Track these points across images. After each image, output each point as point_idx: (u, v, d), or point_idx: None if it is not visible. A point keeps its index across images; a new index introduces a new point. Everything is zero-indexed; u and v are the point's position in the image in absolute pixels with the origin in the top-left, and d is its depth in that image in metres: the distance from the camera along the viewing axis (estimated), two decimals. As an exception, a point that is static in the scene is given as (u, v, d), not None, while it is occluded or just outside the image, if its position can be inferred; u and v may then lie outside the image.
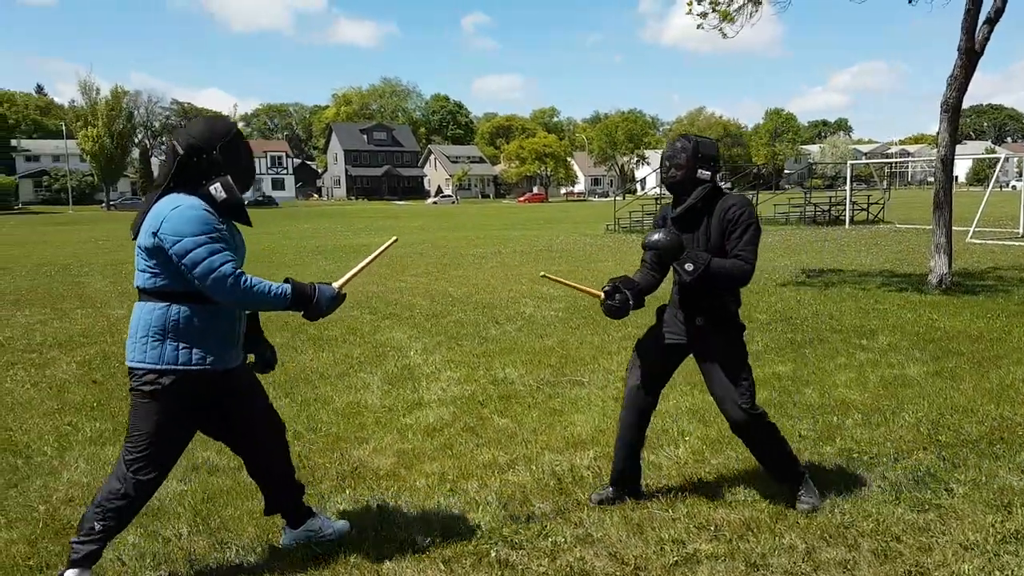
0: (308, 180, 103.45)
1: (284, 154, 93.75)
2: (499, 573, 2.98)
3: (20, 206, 69.44)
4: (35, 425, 5.07)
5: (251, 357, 3.16)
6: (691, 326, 3.49)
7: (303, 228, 32.53)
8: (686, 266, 3.30)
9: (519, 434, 4.66)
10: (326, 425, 4.97)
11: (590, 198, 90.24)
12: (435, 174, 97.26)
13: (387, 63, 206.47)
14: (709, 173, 3.39)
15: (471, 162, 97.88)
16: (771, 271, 12.91)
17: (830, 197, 30.42)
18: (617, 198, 34.21)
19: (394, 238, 3.45)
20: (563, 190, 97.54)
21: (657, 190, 29.94)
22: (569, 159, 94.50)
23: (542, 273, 3.72)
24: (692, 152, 3.37)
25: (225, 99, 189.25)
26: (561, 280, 3.76)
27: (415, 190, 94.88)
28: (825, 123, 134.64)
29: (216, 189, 2.75)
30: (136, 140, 79.43)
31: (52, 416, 5.27)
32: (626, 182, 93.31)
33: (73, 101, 72.08)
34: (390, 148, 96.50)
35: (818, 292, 10.38)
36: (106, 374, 6.49)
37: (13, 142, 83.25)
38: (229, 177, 2.78)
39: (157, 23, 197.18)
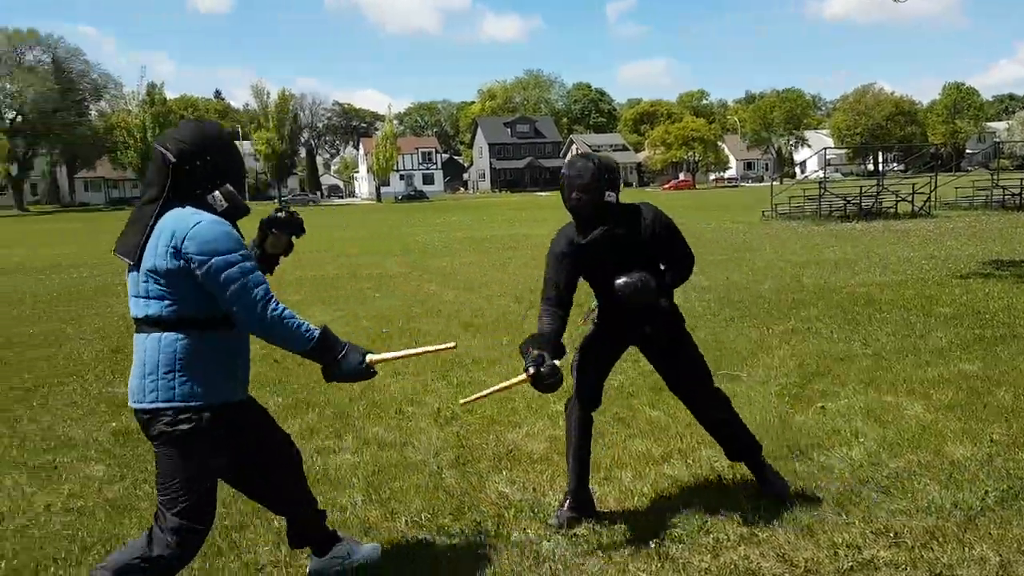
0: (455, 174, 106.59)
1: (434, 150, 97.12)
2: (659, 565, 2.97)
3: (203, 202, 76.64)
4: (225, 399, 5.60)
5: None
6: (637, 332, 3.42)
7: (451, 220, 33.61)
8: (662, 302, 3.29)
9: (672, 427, 4.60)
10: (480, 407, 5.13)
11: (743, 183, 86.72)
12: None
13: (531, 56, 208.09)
14: (615, 194, 3.18)
15: (613, 150, 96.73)
16: (953, 260, 11.88)
17: (1021, 179, 27.42)
18: (774, 183, 32.56)
19: (452, 344, 2.99)
20: (712, 176, 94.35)
21: (820, 173, 28.25)
22: (719, 143, 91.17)
23: (462, 401, 3.37)
24: (596, 174, 3.14)
25: (381, 99, 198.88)
26: (479, 396, 3.26)
27: (557, 180, 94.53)
28: (1012, 97, 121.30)
29: (215, 198, 2.50)
30: (302, 140, 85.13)
31: (239, 392, 5.80)
32: (783, 166, 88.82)
33: (247, 105, 78.55)
34: (532, 140, 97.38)
35: (1011, 285, 9.42)
36: (284, 354, 7.04)
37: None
38: (228, 184, 2.54)
39: (317, 28, 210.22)
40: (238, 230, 2.58)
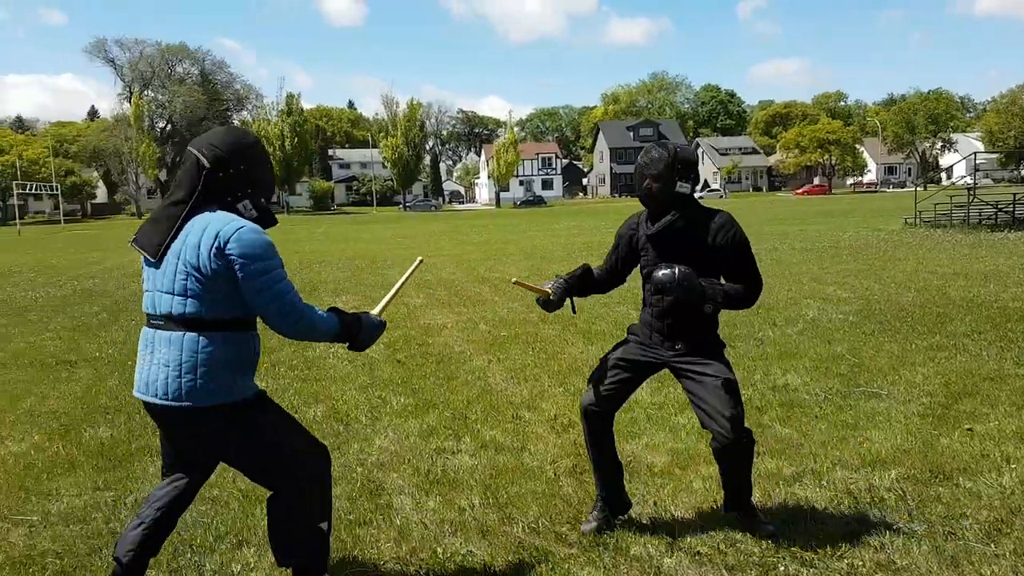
0: (574, 179, 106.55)
1: (554, 155, 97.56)
2: (788, 589, 2.80)
3: (335, 207, 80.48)
4: (352, 397, 5.81)
5: None
6: (670, 350, 3.22)
7: (568, 225, 33.60)
8: (706, 307, 3.08)
9: (805, 446, 4.34)
10: (601, 417, 5.05)
11: (883, 188, 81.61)
12: (702, 168, 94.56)
13: (658, 58, 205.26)
14: (689, 186, 3.11)
15: (742, 153, 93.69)
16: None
17: None
18: (917, 188, 30.44)
19: (419, 259, 3.30)
20: (849, 180, 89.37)
21: (969, 179, 26.13)
22: (858, 146, 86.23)
23: (514, 280, 3.55)
24: (670, 162, 3.08)
25: (503, 106, 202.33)
26: (525, 284, 3.42)
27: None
28: None
29: (245, 207, 2.56)
30: (427, 147, 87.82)
31: (365, 390, 6.00)
32: (928, 170, 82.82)
33: (377, 114, 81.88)
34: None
35: None
36: (408, 355, 7.25)
37: (330, 152, 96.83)
38: (258, 196, 2.62)
39: (445, 38, 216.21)
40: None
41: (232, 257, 2.42)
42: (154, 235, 2.52)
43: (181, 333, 2.48)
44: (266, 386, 6.11)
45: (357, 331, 2.67)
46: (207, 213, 2.49)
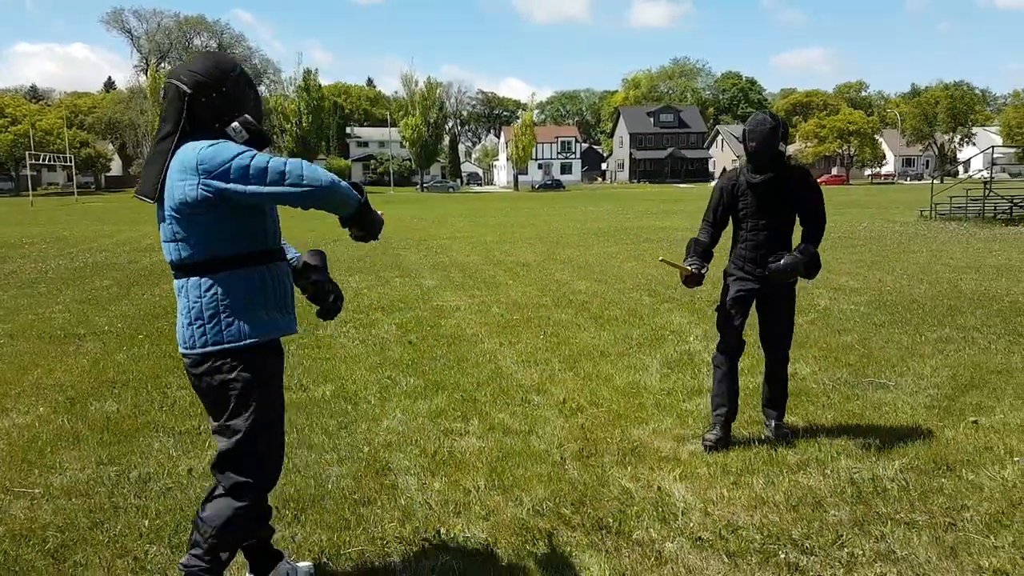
0: (593, 164, 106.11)
1: (573, 139, 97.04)
2: (788, 575, 2.81)
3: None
4: (362, 376, 5.86)
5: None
6: (762, 276, 4.12)
7: (586, 210, 33.47)
8: (810, 276, 4.19)
9: (809, 433, 4.35)
10: (607, 401, 5.08)
11: (900, 180, 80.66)
12: (721, 155, 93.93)
13: (680, 43, 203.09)
14: (785, 146, 4.00)
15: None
16: None
17: None
18: (934, 181, 30.07)
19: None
20: (867, 172, 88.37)
21: (985, 173, 25.81)
22: (877, 137, 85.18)
23: (661, 258, 4.49)
24: (775, 127, 3.93)
25: (523, 88, 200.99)
26: (673, 263, 4.23)
27: (699, 172, 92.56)
28: None
29: (235, 129, 2.41)
30: (447, 128, 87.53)
31: (375, 370, 6.05)
32: (945, 163, 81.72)
33: (396, 92, 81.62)
34: (676, 130, 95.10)
35: None
36: (420, 336, 7.29)
37: (348, 129, 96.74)
38: (247, 115, 2.44)
39: (466, 16, 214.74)
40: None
41: (208, 171, 2.27)
42: (149, 177, 2.40)
43: (185, 279, 2.41)
44: (278, 363, 6.19)
45: (371, 213, 2.48)
46: (190, 143, 2.35)
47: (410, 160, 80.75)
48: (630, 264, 12.91)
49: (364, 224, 2.47)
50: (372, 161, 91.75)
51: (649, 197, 48.70)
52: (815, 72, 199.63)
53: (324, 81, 79.55)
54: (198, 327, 2.39)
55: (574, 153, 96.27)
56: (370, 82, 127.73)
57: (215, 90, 2.39)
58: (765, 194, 4.05)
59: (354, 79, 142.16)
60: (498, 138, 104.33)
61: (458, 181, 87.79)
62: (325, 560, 3.02)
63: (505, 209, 36.94)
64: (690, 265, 4.24)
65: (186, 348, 2.44)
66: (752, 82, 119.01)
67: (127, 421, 4.77)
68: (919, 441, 4.16)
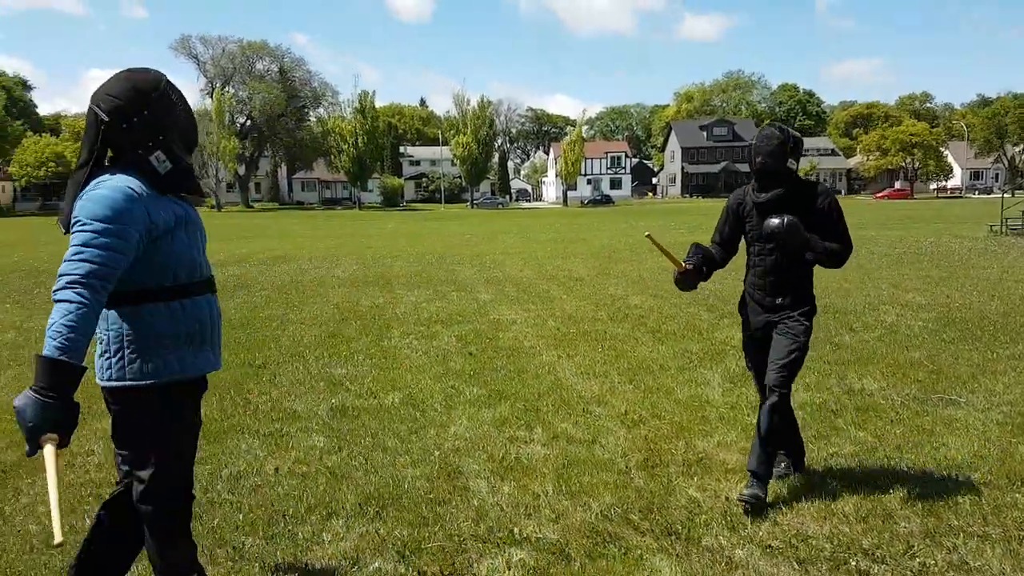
0: (644, 179, 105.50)
1: (624, 154, 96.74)
2: (859, 584, 2.85)
3: (404, 203, 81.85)
4: (427, 385, 6.03)
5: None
6: (772, 305, 3.71)
7: (637, 225, 33.36)
8: (807, 255, 3.61)
9: (880, 450, 4.34)
10: (668, 413, 5.13)
11: (968, 194, 78.10)
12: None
13: (732, 56, 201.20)
14: (796, 163, 3.60)
15: (820, 155, 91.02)
16: None
17: None
18: (1005, 195, 29.06)
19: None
20: (932, 185, 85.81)
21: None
22: (942, 150, 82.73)
23: (647, 233, 4.05)
24: (782, 142, 3.56)
25: (571, 104, 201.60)
26: (660, 244, 3.85)
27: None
28: None
29: (158, 159, 2.27)
30: (496, 146, 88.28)
31: (439, 379, 6.22)
32: (1016, 176, 78.84)
33: (448, 112, 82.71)
34: (730, 143, 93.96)
35: None
36: (479, 348, 7.45)
37: (401, 149, 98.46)
38: (172, 145, 2.32)
39: (512, 33, 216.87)
40: (194, 188, 2.39)
41: (76, 219, 2.16)
42: (66, 206, 2.26)
43: (107, 310, 2.30)
44: (346, 373, 6.42)
45: (43, 384, 2.05)
46: (100, 177, 2.23)
47: (460, 178, 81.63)
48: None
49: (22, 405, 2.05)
50: (424, 179, 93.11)
51: (702, 211, 48.19)
52: (874, 83, 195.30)
53: (379, 102, 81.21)
54: (104, 360, 2.30)
55: (624, 168, 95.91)
56: (422, 102, 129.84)
57: (136, 115, 2.24)
58: (772, 215, 3.63)
59: (404, 98, 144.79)
60: (547, 154, 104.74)
61: (507, 197, 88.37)
62: (409, 553, 3.16)
63: (555, 225, 37.08)
64: (685, 261, 3.83)
65: (104, 381, 2.32)
66: (810, 94, 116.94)
67: (214, 424, 5.03)
68: (992, 457, 4.12)
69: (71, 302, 2.08)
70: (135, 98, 2.24)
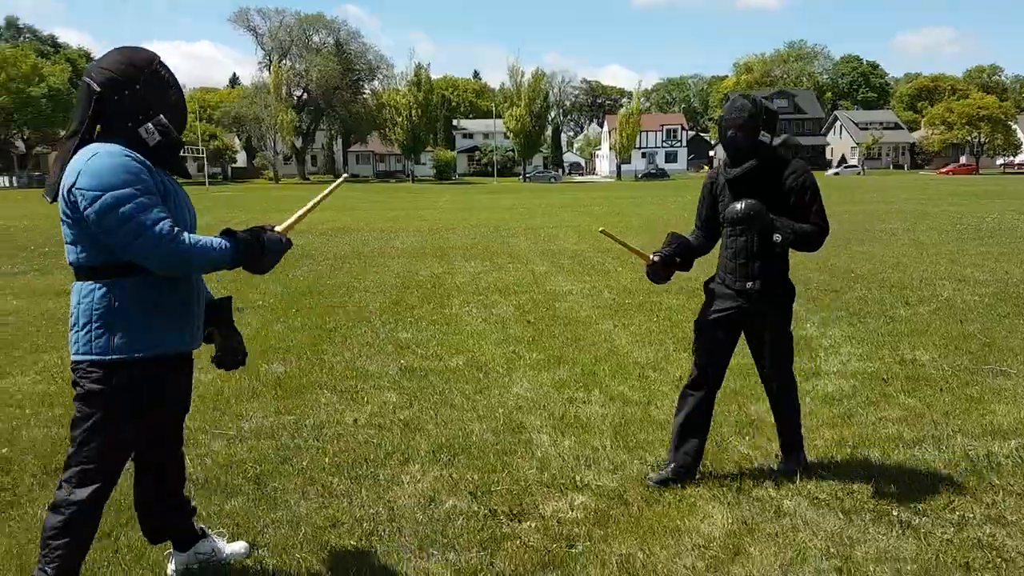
0: (700, 152, 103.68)
1: (680, 127, 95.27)
2: (899, 531, 3.06)
3: (457, 176, 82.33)
4: (488, 350, 6.35)
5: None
6: (742, 290, 3.47)
7: (692, 199, 32.94)
8: (774, 236, 3.31)
9: (928, 415, 4.48)
10: (725, 380, 5.32)
11: (1038, 170, 74.79)
12: (839, 142, 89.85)
13: (794, 26, 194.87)
14: (769, 136, 3.39)
15: (883, 128, 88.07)
16: None
17: None
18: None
19: (344, 176, 3.42)
20: (999, 160, 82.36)
21: None
22: (1011, 124, 79.19)
23: (600, 228, 3.95)
24: (753, 114, 3.34)
25: (626, 75, 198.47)
26: (618, 239, 3.78)
27: (814, 160, 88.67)
28: None
29: (147, 130, 2.29)
30: (550, 118, 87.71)
31: (500, 344, 6.53)
32: (1092, 150, 75.11)
33: (503, 84, 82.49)
34: (790, 115, 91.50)
35: None
36: (537, 316, 7.73)
37: (455, 122, 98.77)
38: (161, 116, 2.33)
39: (568, 4, 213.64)
40: (179, 166, 2.43)
41: (79, 192, 2.18)
42: (53, 176, 2.30)
43: (80, 283, 2.32)
44: (411, 337, 6.78)
45: (259, 254, 2.37)
46: (91, 146, 2.26)
47: (513, 151, 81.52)
48: (741, 253, 12.88)
49: (251, 267, 2.38)
50: (477, 152, 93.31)
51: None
52: (941, 53, 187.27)
53: (434, 75, 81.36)
54: (73, 333, 2.32)
55: (680, 141, 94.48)
56: (476, 75, 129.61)
57: (127, 87, 2.28)
58: (743, 191, 3.41)
59: (458, 71, 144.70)
60: (601, 127, 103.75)
61: (560, 171, 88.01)
62: (480, 494, 3.49)
63: (609, 198, 36.97)
64: (653, 253, 3.65)
65: (74, 354, 2.34)
66: (874, 65, 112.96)
67: (294, 380, 5.44)
68: (1041, 425, 4.23)
69: (183, 254, 2.23)
70: (128, 72, 2.29)
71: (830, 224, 3.45)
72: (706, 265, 3.96)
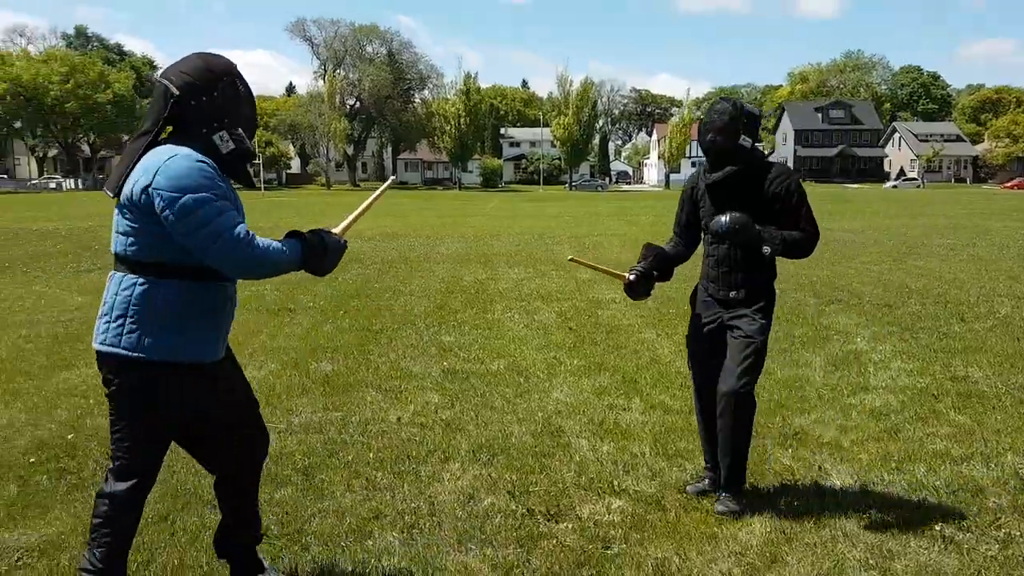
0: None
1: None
2: (941, 546, 3.01)
3: (503, 184, 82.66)
4: (529, 355, 6.40)
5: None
6: (725, 299, 3.37)
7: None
8: (763, 249, 3.21)
9: (978, 432, 4.38)
10: (767, 391, 5.27)
11: (1109, 186, 71.67)
12: (897, 155, 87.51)
13: (852, 35, 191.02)
14: (751, 140, 3.24)
15: (944, 141, 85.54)
16: None
17: None
18: None
19: (391, 179, 3.49)
20: (1068, 176, 79.25)
21: None
22: (1081, 137, 76.21)
23: (570, 257, 3.95)
24: (734, 117, 3.22)
25: (675, 83, 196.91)
26: (589, 263, 3.84)
27: (872, 172, 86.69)
28: None
29: (222, 138, 2.33)
30: (597, 127, 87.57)
31: (541, 350, 6.58)
32: None
33: (551, 93, 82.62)
34: (847, 126, 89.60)
35: None
36: (579, 323, 7.76)
37: (502, 130, 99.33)
38: (234, 126, 2.37)
39: (616, 8, 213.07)
40: (246, 177, 2.48)
41: (157, 192, 2.20)
42: (117, 170, 2.34)
43: (122, 274, 2.33)
44: (454, 341, 6.88)
45: (322, 255, 2.41)
46: (166, 147, 2.30)
47: (559, 159, 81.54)
48: (791, 265, 12.70)
49: (314, 268, 2.41)
50: (523, 160, 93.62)
51: (813, 198, 46.45)
52: (1006, 65, 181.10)
53: (483, 84, 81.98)
54: (103, 322, 2.33)
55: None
56: (524, 84, 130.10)
57: (205, 94, 2.32)
58: (724, 197, 3.32)
59: (505, 80, 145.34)
60: (649, 136, 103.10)
61: (607, 179, 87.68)
62: (518, 494, 3.55)
63: (655, 207, 36.67)
64: (630, 270, 3.54)
65: (99, 344, 2.34)
66: (935, 76, 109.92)
67: (341, 378, 5.59)
68: (1097, 446, 4.11)
69: (259, 257, 2.27)
70: (207, 77, 2.32)
71: (820, 230, 3.38)
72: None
